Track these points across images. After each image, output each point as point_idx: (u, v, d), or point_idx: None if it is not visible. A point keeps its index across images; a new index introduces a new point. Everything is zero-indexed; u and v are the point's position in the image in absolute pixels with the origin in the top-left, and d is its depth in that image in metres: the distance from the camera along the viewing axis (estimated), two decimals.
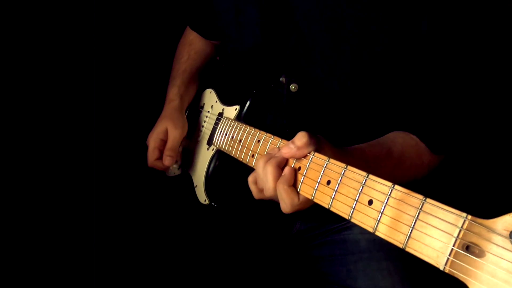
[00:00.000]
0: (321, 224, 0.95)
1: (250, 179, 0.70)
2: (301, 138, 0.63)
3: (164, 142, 1.04)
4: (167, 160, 1.02)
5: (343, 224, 0.92)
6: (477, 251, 0.41)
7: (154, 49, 1.58)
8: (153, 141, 1.04)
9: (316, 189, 0.61)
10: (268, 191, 0.64)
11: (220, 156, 0.98)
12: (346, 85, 0.83)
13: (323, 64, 0.84)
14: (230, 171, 0.97)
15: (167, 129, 1.04)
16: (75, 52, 1.47)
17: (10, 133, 1.38)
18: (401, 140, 0.78)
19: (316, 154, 0.63)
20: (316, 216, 0.90)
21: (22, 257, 1.27)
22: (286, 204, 0.64)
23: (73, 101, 1.48)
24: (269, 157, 0.66)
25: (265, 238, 0.97)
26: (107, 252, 1.08)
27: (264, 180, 0.65)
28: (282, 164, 0.65)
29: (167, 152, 1.03)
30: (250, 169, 0.79)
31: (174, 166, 1.12)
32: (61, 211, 1.39)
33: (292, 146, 0.63)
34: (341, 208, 0.56)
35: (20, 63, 1.41)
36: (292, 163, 0.66)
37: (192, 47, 1.16)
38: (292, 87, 0.87)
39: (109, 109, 1.52)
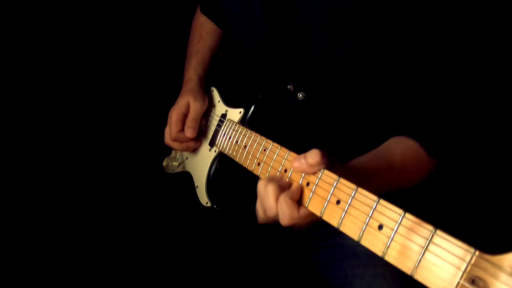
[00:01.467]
0: (321, 226, 0.97)
1: (258, 204, 0.71)
2: (314, 156, 0.63)
3: (185, 115, 1.06)
4: (189, 132, 1.03)
5: None
6: (482, 286, 0.44)
7: (154, 49, 1.55)
8: (175, 114, 1.05)
9: (325, 208, 0.63)
10: (270, 211, 0.66)
11: (222, 159, 0.99)
12: (353, 97, 0.84)
13: (330, 74, 0.84)
14: (232, 174, 0.97)
15: (189, 102, 1.05)
16: (75, 52, 1.44)
17: (10, 133, 1.36)
18: (401, 150, 0.79)
19: (326, 172, 0.64)
20: None
21: (22, 257, 1.27)
22: (285, 215, 0.65)
23: (73, 101, 1.46)
24: (271, 180, 0.68)
25: (265, 239, 0.99)
26: (107, 253, 1.08)
27: (266, 201, 0.66)
28: (284, 187, 0.67)
29: (189, 123, 1.04)
30: (252, 172, 0.81)
31: (174, 163, 1.13)
32: (61, 211, 1.38)
33: (303, 161, 0.64)
34: (350, 230, 0.59)
35: (20, 63, 1.37)
36: (300, 180, 0.67)
37: (204, 28, 1.19)
38: (300, 95, 0.87)
39: (109, 109, 1.50)
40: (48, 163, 1.43)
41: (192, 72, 1.11)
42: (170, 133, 1.06)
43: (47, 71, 1.42)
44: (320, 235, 0.97)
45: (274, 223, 0.71)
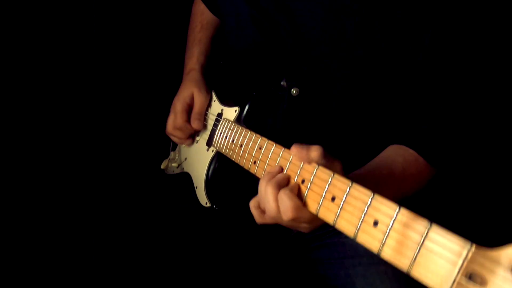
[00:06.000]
0: (321, 226, 0.96)
1: (252, 204, 0.70)
2: (315, 150, 0.62)
3: (190, 106, 1.05)
4: (195, 123, 1.03)
5: None
6: (479, 280, 0.43)
7: (154, 49, 1.55)
8: (180, 104, 1.04)
9: (320, 205, 0.62)
10: (270, 212, 0.65)
11: (220, 158, 0.98)
12: (346, 91, 0.83)
13: (323, 69, 0.83)
14: (230, 173, 0.97)
15: (193, 94, 1.04)
16: (75, 52, 1.44)
17: (9, 134, 1.36)
18: (401, 159, 0.78)
19: (321, 168, 0.63)
20: None
21: (22, 257, 1.28)
22: (287, 207, 0.62)
23: (73, 101, 1.46)
24: (270, 177, 0.66)
25: (265, 239, 0.99)
26: (107, 254, 1.09)
27: (265, 201, 0.66)
28: (282, 184, 0.66)
29: (195, 115, 1.03)
30: (249, 171, 0.80)
31: (173, 164, 1.12)
32: (61, 211, 1.39)
33: (305, 152, 0.63)
34: (345, 227, 0.57)
35: (19, 63, 1.38)
36: (295, 177, 0.66)
37: (204, 16, 1.18)
38: (293, 91, 0.86)
39: (109, 109, 1.51)
40: (47, 164, 1.43)
41: (195, 61, 1.10)
42: (175, 122, 1.04)
43: (43, 70, 1.42)
44: (320, 234, 0.97)
45: (272, 224, 0.70)
